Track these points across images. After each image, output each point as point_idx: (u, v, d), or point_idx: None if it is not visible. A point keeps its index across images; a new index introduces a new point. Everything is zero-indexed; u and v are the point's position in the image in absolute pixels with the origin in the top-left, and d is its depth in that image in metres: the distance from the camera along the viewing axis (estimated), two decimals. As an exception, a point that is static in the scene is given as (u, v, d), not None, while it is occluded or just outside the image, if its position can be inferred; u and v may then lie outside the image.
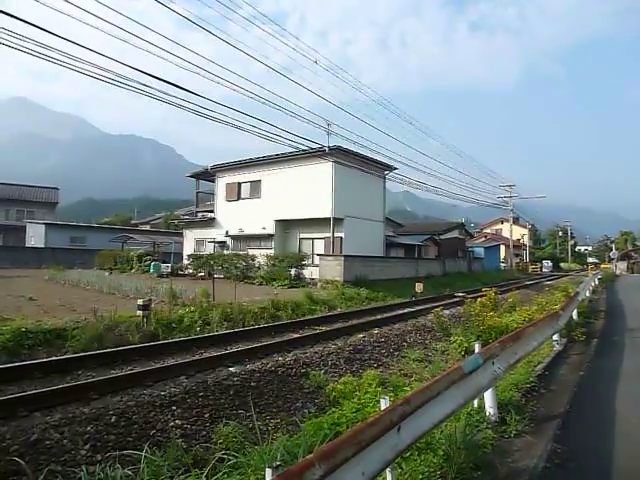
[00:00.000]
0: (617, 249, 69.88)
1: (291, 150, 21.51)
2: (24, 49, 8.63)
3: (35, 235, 45.29)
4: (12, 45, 8.46)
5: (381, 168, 28.93)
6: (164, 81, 10.55)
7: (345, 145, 23.01)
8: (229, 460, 4.14)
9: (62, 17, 9.25)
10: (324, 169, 25.48)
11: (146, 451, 4.23)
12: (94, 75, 9.81)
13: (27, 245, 45.08)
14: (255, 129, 14.26)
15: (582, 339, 11.05)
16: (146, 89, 10.59)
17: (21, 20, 8.16)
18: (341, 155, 24.97)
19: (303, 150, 21.24)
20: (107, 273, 27.52)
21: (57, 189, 55.84)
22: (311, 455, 2.53)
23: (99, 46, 9.60)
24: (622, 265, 60.62)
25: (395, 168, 28.10)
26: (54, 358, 8.28)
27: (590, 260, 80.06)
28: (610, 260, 64.92)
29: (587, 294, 20.89)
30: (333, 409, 5.63)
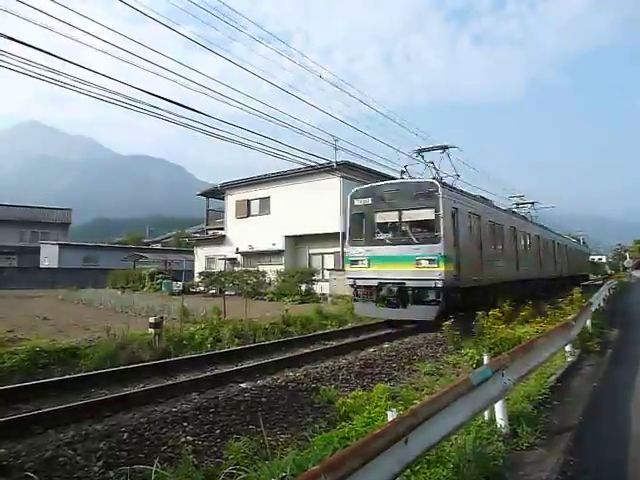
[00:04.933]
0: (632, 257, 68.91)
1: (299, 166, 21.70)
2: (36, 75, 8.90)
3: (49, 256, 45.93)
4: (25, 72, 8.74)
5: (389, 182, 28.94)
6: (172, 102, 10.77)
7: (353, 160, 23.15)
8: (239, 475, 4.17)
9: (72, 43, 9.53)
10: (332, 184, 25.64)
11: (157, 467, 4.27)
12: (104, 98, 10.06)
13: (41, 266, 45.69)
14: (262, 146, 14.43)
15: (596, 349, 10.91)
16: (155, 110, 10.81)
17: (33, 47, 8.44)
18: (349, 170, 25.12)
19: (311, 166, 21.38)
20: (119, 292, 27.77)
21: (70, 210, 56.77)
22: (317, 466, 2.57)
23: (108, 69, 9.86)
24: (637, 274, 59.69)
25: (403, 181, 28.14)
26: (68, 376, 8.39)
27: None
28: (625, 269, 64.02)
29: (601, 304, 20.61)
30: (343, 423, 5.63)
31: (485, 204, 19.38)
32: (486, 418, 5.61)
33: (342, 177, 24.77)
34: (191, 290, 30.00)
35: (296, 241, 28.59)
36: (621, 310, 21.82)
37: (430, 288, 13.38)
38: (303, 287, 24.48)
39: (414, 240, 14.03)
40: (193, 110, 11.37)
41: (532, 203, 32.17)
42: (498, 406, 5.52)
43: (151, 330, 10.91)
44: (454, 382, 4.62)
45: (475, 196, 18.95)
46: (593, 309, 15.30)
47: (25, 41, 8.33)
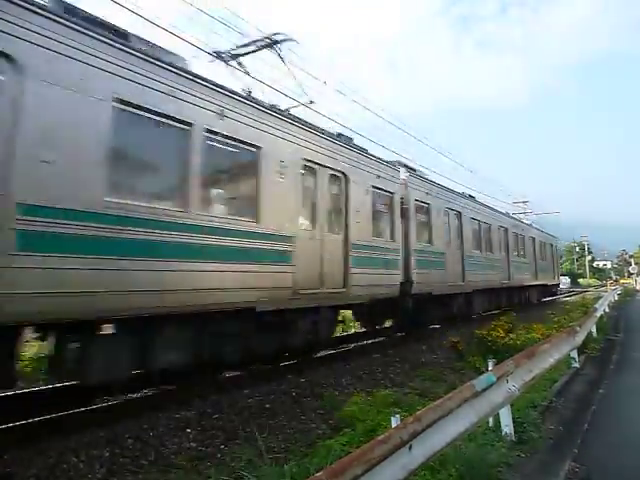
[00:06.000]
0: (637, 264, 68.65)
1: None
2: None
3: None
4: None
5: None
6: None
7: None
8: (242, 481, 4.16)
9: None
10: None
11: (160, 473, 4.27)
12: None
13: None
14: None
15: (601, 356, 10.86)
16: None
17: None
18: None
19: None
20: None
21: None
22: (320, 473, 2.55)
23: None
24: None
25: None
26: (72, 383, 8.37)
27: None
28: (630, 275, 63.83)
29: (606, 310, 20.54)
30: (346, 430, 5.61)
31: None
32: (491, 424, 5.58)
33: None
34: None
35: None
36: (625, 315, 21.75)
37: None
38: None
39: None
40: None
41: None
42: (503, 412, 5.48)
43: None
44: (458, 388, 4.60)
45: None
46: (598, 315, 15.24)
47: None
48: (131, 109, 6.26)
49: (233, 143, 7.81)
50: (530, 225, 29.35)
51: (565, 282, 68.48)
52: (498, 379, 5.21)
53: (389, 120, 21.79)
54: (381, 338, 14.55)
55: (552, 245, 33.86)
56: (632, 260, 76.43)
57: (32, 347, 9.90)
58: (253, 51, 10.89)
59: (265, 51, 10.93)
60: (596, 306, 16.69)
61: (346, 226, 10.37)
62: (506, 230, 22.62)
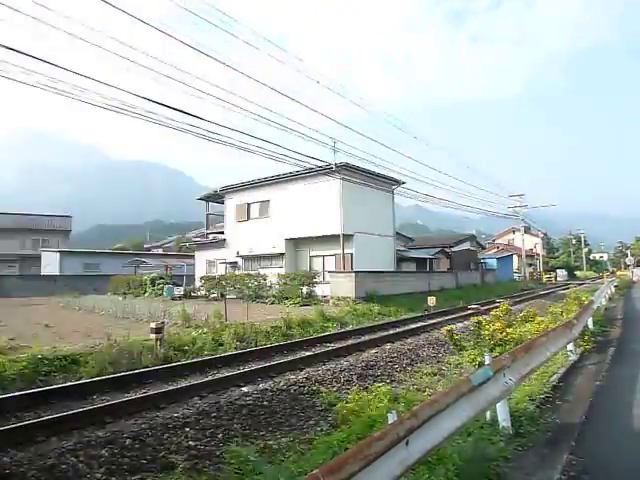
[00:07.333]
0: (633, 255, 68.82)
1: (298, 169, 21.75)
2: (34, 84, 8.94)
3: (50, 263, 45.84)
4: (23, 81, 8.77)
5: (389, 183, 28.94)
6: (170, 107, 10.80)
7: (352, 161, 23.09)
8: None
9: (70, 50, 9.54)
10: (332, 186, 25.62)
11: (160, 473, 4.26)
12: (101, 105, 10.09)
13: (43, 273, 45.61)
14: (261, 150, 14.46)
15: (598, 348, 10.88)
16: (153, 116, 10.85)
17: (31, 56, 8.46)
18: (348, 172, 25.11)
19: (310, 168, 21.42)
20: (120, 298, 27.77)
21: (70, 217, 56.81)
22: (316, 470, 2.55)
23: (105, 76, 9.88)
24: (639, 271, 59.55)
25: (403, 182, 27.90)
26: (69, 383, 8.37)
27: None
28: (626, 267, 64.00)
29: (603, 302, 20.60)
30: (344, 426, 5.62)
31: None
32: (488, 418, 5.60)
33: (342, 179, 24.78)
34: (192, 294, 29.95)
35: (296, 244, 28.54)
36: (622, 308, 21.80)
37: None
38: (304, 290, 24.38)
39: None
40: (192, 115, 11.40)
41: None
42: (500, 406, 5.50)
43: (152, 335, 10.88)
44: (455, 383, 4.60)
45: None
46: (595, 307, 15.27)
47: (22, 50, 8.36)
48: None
49: None
50: None
51: (562, 275, 69.07)
52: (495, 373, 5.23)
53: (384, 117, 21.77)
54: (379, 334, 14.57)
55: None
56: (629, 252, 76.47)
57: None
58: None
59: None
60: (592, 298, 16.73)
61: None
62: None
